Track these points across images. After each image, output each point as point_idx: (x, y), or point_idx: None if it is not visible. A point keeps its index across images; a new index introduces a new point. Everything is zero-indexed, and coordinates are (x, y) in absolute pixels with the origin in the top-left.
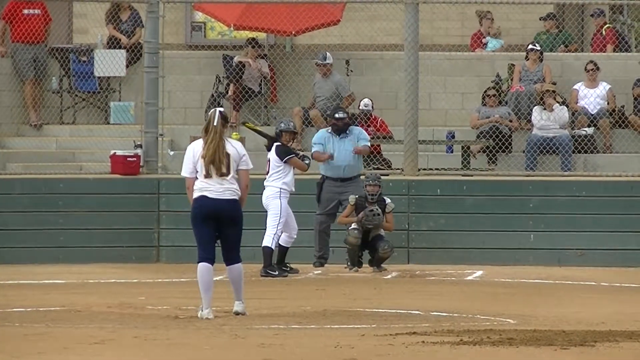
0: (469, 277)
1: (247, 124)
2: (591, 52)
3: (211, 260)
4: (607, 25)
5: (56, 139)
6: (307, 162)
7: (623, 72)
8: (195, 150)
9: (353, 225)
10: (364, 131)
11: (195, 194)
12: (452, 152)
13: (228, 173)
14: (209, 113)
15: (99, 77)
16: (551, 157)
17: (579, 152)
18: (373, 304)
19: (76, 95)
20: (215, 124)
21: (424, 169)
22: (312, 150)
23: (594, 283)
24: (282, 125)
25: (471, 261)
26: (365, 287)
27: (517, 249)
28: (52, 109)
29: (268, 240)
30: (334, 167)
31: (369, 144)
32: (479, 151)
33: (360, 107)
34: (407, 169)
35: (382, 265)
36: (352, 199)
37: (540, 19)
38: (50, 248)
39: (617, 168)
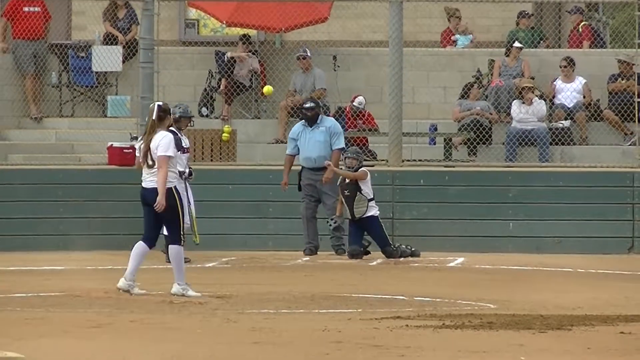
0: (451, 264)
1: None
2: (568, 48)
3: (147, 241)
4: (584, 23)
5: (56, 132)
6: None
7: (598, 68)
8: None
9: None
10: (336, 124)
11: None
12: (434, 144)
13: (153, 164)
14: (149, 106)
15: (96, 72)
16: (530, 149)
17: (557, 144)
18: (359, 289)
19: (75, 90)
20: (153, 117)
21: (408, 160)
22: (288, 147)
23: (570, 269)
24: (181, 110)
25: (453, 248)
26: (352, 274)
27: (497, 237)
28: (51, 103)
29: None
30: (306, 158)
31: (342, 144)
32: (461, 143)
33: (354, 104)
34: (391, 160)
35: (396, 257)
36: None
37: (518, 17)
38: (50, 236)
39: (593, 159)
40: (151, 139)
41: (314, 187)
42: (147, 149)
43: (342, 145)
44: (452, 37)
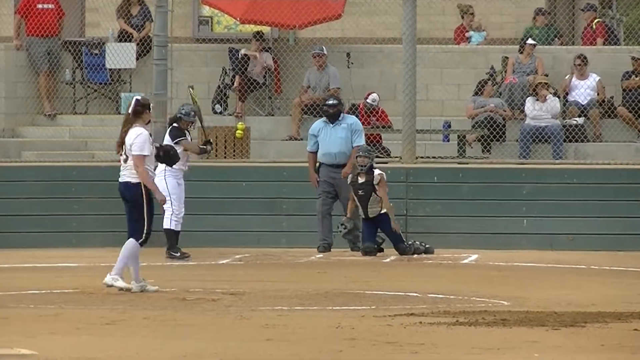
0: (465, 261)
1: (192, 92)
2: (582, 45)
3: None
4: (597, 20)
5: (69, 129)
6: (208, 148)
7: (612, 65)
8: None
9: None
10: (358, 122)
11: None
12: (448, 141)
13: (126, 158)
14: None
15: (110, 69)
16: (543, 146)
17: (570, 141)
18: (372, 286)
19: (88, 87)
20: (129, 111)
21: (422, 157)
22: (308, 144)
23: (584, 266)
24: (183, 111)
25: (466, 245)
26: (365, 270)
27: (511, 234)
28: (65, 100)
29: (166, 222)
30: (326, 154)
31: (363, 141)
32: (475, 140)
33: (368, 101)
34: (405, 157)
35: (408, 254)
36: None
37: (535, 14)
38: (64, 233)
39: (606, 156)
40: (126, 132)
41: (331, 184)
42: (122, 142)
43: (363, 142)
44: (466, 34)
